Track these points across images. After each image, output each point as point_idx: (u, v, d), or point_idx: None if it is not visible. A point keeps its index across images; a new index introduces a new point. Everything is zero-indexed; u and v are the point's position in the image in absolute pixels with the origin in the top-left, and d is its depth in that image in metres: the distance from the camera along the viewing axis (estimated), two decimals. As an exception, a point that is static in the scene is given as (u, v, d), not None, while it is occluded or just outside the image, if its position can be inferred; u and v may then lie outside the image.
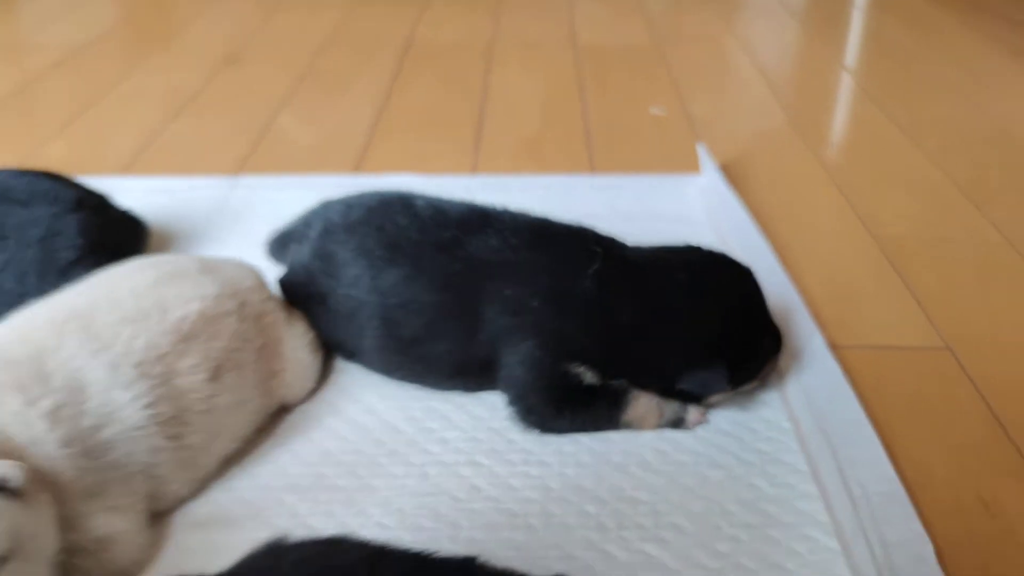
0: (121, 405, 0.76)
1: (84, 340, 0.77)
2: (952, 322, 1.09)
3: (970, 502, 0.82)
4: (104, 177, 1.43)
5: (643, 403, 0.90)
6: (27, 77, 1.98)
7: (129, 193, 1.32)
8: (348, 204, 1.03)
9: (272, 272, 1.04)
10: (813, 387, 0.95)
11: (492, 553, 0.65)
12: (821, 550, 0.78)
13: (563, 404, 0.89)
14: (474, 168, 1.51)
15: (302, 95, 1.86)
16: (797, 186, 1.46)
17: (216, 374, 0.83)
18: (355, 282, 0.95)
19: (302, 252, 1.03)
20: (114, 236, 1.13)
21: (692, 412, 0.91)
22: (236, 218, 1.34)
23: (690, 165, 1.48)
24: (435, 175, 1.43)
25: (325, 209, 1.06)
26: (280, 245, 1.14)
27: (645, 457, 0.88)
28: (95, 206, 1.12)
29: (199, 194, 1.39)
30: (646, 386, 0.90)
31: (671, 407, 0.90)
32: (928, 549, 0.75)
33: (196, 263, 0.92)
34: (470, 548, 0.72)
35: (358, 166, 1.52)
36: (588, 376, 0.89)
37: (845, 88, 1.96)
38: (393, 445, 0.90)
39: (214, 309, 0.86)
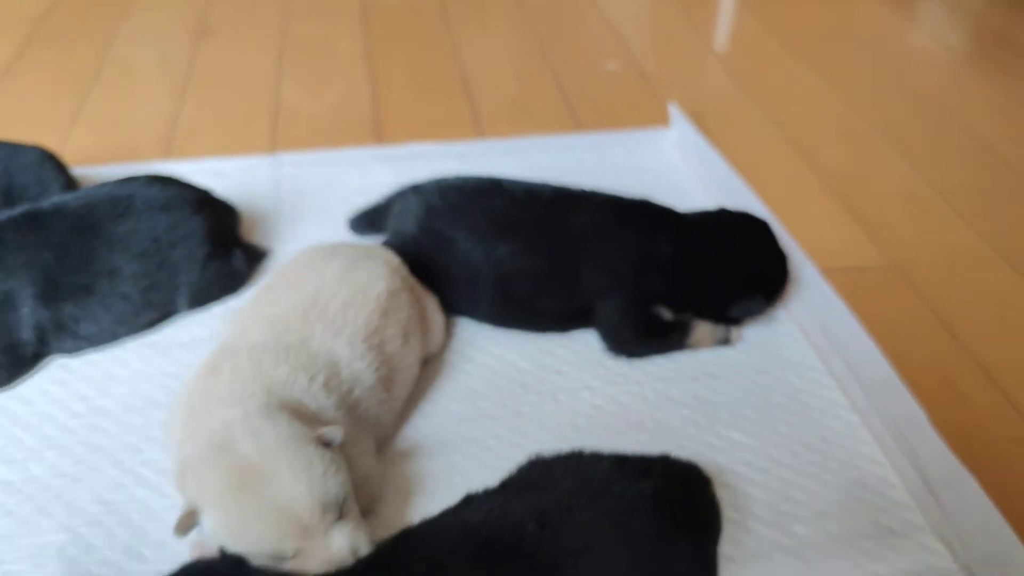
0: (360, 372, 0.98)
1: (326, 325, 0.99)
2: (894, 245, 1.43)
3: (937, 385, 1.17)
4: (151, 163, 1.57)
5: (701, 329, 1.19)
6: (7, 56, 2.01)
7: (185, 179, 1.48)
8: (442, 188, 1.26)
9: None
10: (814, 304, 1.26)
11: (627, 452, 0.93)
12: (847, 424, 1.11)
13: (647, 336, 1.18)
14: (481, 133, 1.72)
15: (291, 66, 1.98)
16: (743, 132, 1.76)
17: (405, 339, 1.06)
18: (470, 255, 1.19)
19: (405, 229, 1.24)
20: (228, 226, 1.30)
21: (734, 332, 1.21)
22: (297, 196, 1.51)
23: (655, 119, 1.75)
24: (454, 142, 1.65)
25: (416, 192, 1.28)
26: (365, 222, 1.36)
27: (710, 370, 1.18)
28: (210, 201, 1.28)
29: (249, 175, 1.55)
30: (703, 316, 1.19)
31: (721, 329, 1.20)
32: (923, 416, 1.08)
33: (357, 249, 1.13)
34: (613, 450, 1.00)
35: (379, 137, 1.70)
36: (665, 314, 1.18)
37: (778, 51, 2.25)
38: (522, 380, 1.16)
39: (393, 286, 1.08)
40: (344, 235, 1.40)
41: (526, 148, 1.64)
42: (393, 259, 1.15)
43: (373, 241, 1.32)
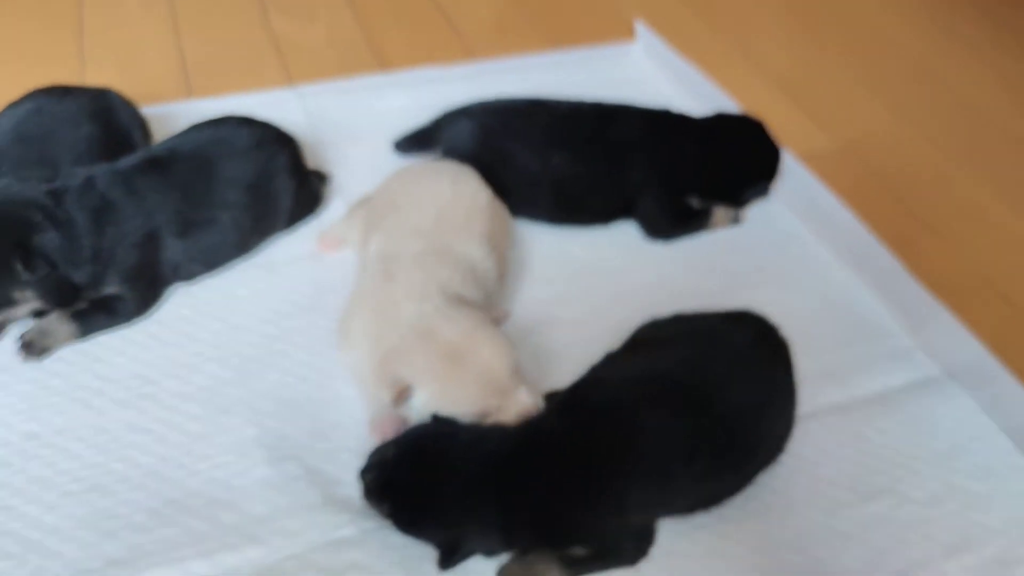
0: (488, 269, 1.20)
1: (459, 232, 1.18)
2: (840, 131, 1.71)
3: (896, 241, 1.47)
4: (181, 103, 1.66)
5: (719, 213, 1.45)
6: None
7: (216, 114, 1.58)
8: (493, 110, 1.46)
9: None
10: (796, 186, 1.54)
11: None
12: (841, 277, 1.40)
13: (680, 223, 1.43)
14: (470, 54, 1.88)
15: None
16: (698, 43, 1.99)
17: (503, 238, 1.26)
18: (528, 166, 1.39)
19: (463, 148, 1.43)
20: (302, 156, 1.43)
21: (741, 213, 1.47)
22: (328, 124, 1.63)
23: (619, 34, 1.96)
24: (453, 65, 1.81)
25: (468, 115, 1.46)
26: (411, 144, 1.53)
27: (728, 245, 1.44)
28: (288, 136, 1.40)
29: (277, 108, 1.65)
30: (720, 202, 1.44)
31: (732, 212, 1.46)
32: (899, 267, 1.37)
33: (451, 167, 1.31)
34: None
35: (383, 63, 1.83)
36: (693, 203, 1.43)
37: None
38: (580, 265, 1.39)
39: (487, 195, 1.27)
40: (384, 156, 1.56)
41: (517, 68, 1.83)
42: (473, 173, 1.34)
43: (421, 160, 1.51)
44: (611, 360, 1.10)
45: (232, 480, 1.08)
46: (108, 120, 1.39)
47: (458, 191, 1.25)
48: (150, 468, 1.09)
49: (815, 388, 1.20)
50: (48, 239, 1.14)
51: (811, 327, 1.31)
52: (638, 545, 1.01)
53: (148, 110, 1.56)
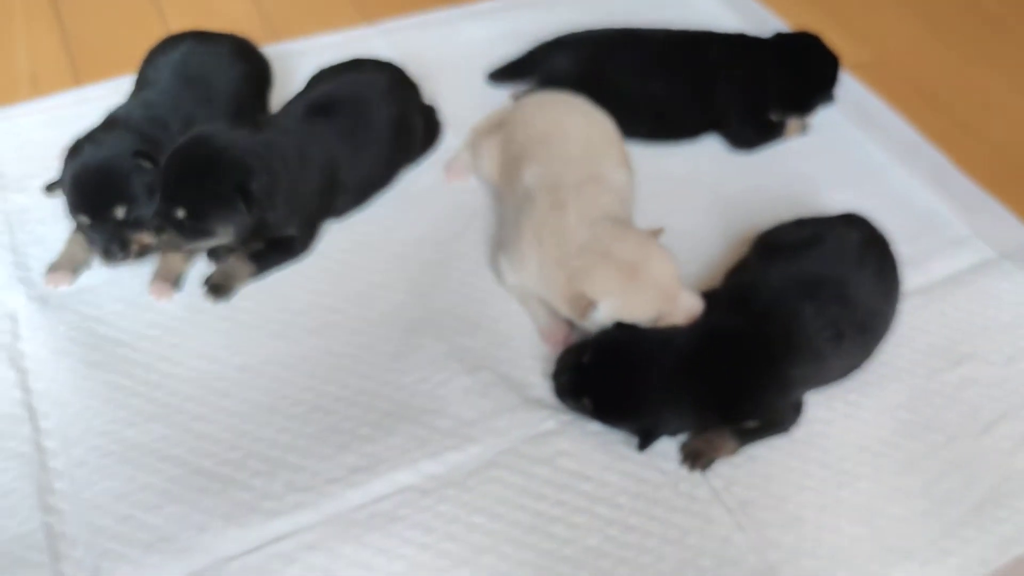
0: (630, 190, 1.33)
1: (604, 158, 1.32)
2: (877, 44, 1.86)
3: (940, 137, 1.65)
4: (278, 45, 1.71)
5: (792, 123, 1.61)
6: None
7: (316, 55, 1.64)
8: (591, 39, 1.57)
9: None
10: (851, 96, 1.69)
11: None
12: (898, 175, 1.58)
13: (761, 135, 1.58)
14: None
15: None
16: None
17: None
18: (627, 91, 1.52)
19: (562, 75, 1.54)
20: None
21: (807, 122, 1.63)
22: (416, 59, 1.67)
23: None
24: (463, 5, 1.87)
25: (564, 45, 1.58)
26: (507, 74, 1.63)
27: (799, 153, 1.60)
28: (407, 75, 1.50)
29: (363, 45, 1.71)
30: (794, 112, 1.60)
31: (801, 121, 1.62)
32: (947, 163, 1.57)
33: (567, 98, 1.42)
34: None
35: None
36: (774, 116, 1.57)
37: None
38: (677, 181, 1.53)
39: (611, 122, 1.40)
40: (478, 87, 1.65)
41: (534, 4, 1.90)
42: (579, 97, 1.45)
43: (512, 89, 1.61)
44: (751, 264, 1.26)
45: (436, 391, 1.22)
46: (249, 60, 1.46)
47: (592, 121, 1.37)
48: (359, 387, 1.22)
49: (903, 275, 1.39)
50: (263, 183, 1.22)
51: (887, 222, 1.46)
52: (793, 416, 1.20)
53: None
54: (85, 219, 1.25)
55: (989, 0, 2.03)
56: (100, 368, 1.21)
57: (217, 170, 1.21)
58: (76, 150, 1.27)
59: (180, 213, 1.21)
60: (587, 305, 1.18)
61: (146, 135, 1.29)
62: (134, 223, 1.25)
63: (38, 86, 1.60)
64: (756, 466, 1.18)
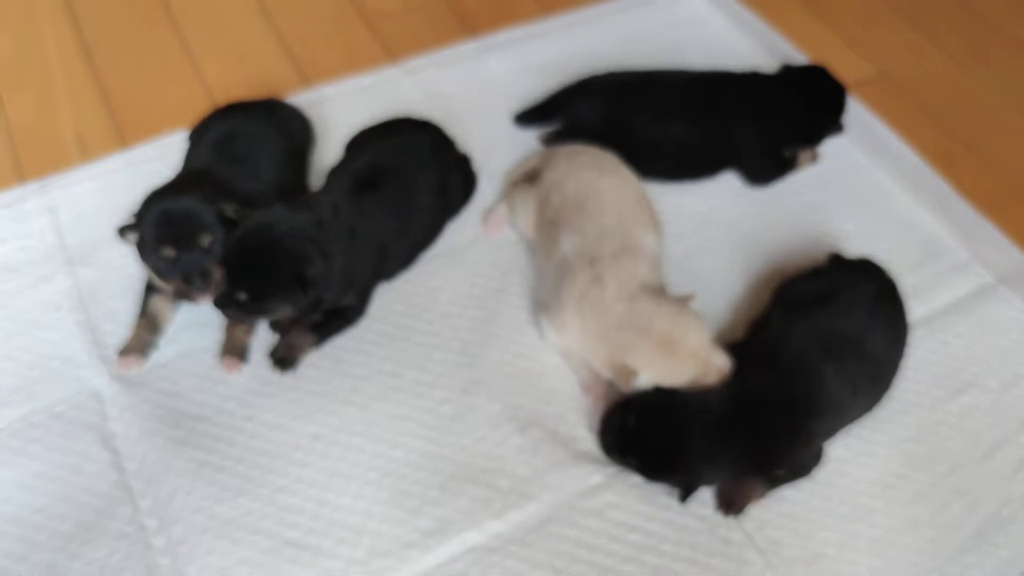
0: (660, 252, 1.40)
1: (635, 224, 1.38)
2: (877, 58, 1.90)
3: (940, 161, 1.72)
4: (301, 92, 1.74)
5: (804, 155, 1.67)
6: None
7: (348, 99, 1.67)
8: (614, 84, 1.62)
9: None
10: (857, 122, 1.74)
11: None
12: (903, 202, 1.65)
13: (777, 170, 1.64)
14: (471, 31, 1.93)
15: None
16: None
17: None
18: (650, 135, 1.58)
19: (588, 121, 1.59)
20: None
21: (817, 152, 1.68)
22: (444, 100, 1.74)
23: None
24: (533, 23, 1.90)
25: (590, 90, 1.62)
26: (532, 117, 1.68)
27: (811, 184, 1.66)
28: (443, 130, 1.55)
29: (391, 87, 1.77)
30: (806, 144, 1.66)
31: (812, 151, 1.68)
32: (949, 189, 1.64)
33: (597, 156, 1.47)
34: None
35: (468, 28, 1.90)
36: (787, 152, 1.63)
37: None
38: (702, 218, 1.60)
39: (637, 180, 1.46)
40: (508, 129, 1.70)
41: (591, 17, 1.94)
42: (607, 152, 1.50)
43: (538, 130, 1.66)
44: (775, 320, 1.34)
45: (493, 451, 1.32)
46: (289, 129, 1.51)
47: (623, 183, 1.43)
48: (423, 450, 1.31)
49: (906, 303, 1.47)
50: (318, 270, 1.28)
51: (893, 252, 1.57)
52: (815, 460, 1.30)
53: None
54: (170, 251, 1.28)
55: (996, 14, 2.04)
56: (186, 445, 1.29)
57: (277, 259, 1.27)
58: (156, 196, 1.31)
59: (242, 296, 1.28)
60: (629, 375, 1.26)
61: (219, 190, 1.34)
62: (213, 254, 1.29)
63: (86, 148, 1.64)
64: (783, 507, 1.29)
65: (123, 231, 1.31)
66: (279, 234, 1.28)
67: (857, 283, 1.36)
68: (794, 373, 1.26)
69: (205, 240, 1.28)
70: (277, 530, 1.23)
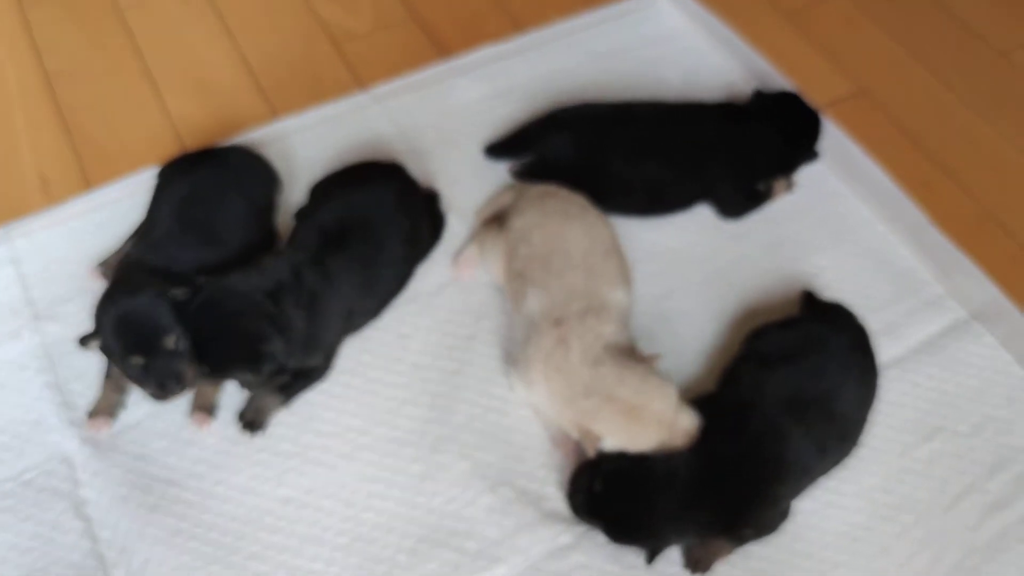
0: (628, 305, 1.37)
1: (603, 280, 1.35)
2: (856, 74, 1.83)
3: (919, 187, 1.66)
4: (266, 126, 1.68)
5: (778, 184, 1.62)
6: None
7: (316, 130, 1.62)
8: (585, 119, 1.57)
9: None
10: (833, 147, 1.68)
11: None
12: (879, 233, 1.61)
13: (751, 203, 1.60)
14: (518, 27, 1.87)
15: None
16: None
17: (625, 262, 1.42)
18: (623, 174, 1.53)
19: (560, 158, 1.54)
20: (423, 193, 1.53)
21: (793, 180, 1.63)
22: (414, 129, 1.68)
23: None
24: (505, 41, 1.83)
25: (561, 125, 1.57)
26: (502, 151, 1.62)
27: (785, 213, 1.61)
28: (406, 173, 1.49)
29: (358, 117, 1.70)
30: (781, 174, 1.61)
31: (786, 181, 1.62)
32: (926, 220, 1.59)
33: (567, 203, 1.42)
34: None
35: (440, 49, 1.82)
36: (761, 185, 1.58)
37: None
38: (679, 256, 1.55)
39: (607, 227, 1.42)
40: (478, 162, 1.64)
41: (563, 33, 1.86)
42: (578, 195, 1.45)
43: (509, 162, 1.60)
44: (743, 376, 1.32)
45: (463, 511, 1.30)
46: (252, 184, 1.45)
47: (592, 233, 1.38)
48: (393, 512, 1.30)
49: (879, 346, 1.43)
50: (275, 346, 1.25)
51: (866, 287, 1.54)
52: (781, 519, 1.29)
53: (251, 135, 1.63)
54: (139, 359, 1.25)
55: (983, 25, 1.94)
56: (158, 512, 1.28)
57: (232, 337, 1.25)
58: (108, 300, 1.27)
59: (205, 370, 1.26)
60: (594, 440, 1.24)
61: (165, 275, 1.30)
62: (182, 354, 1.26)
63: (49, 190, 1.58)
64: (749, 563, 1.28)
65: (84, 340, 1.27)
66: (233, 310, 1.25)
67: (827, 337, 1.33)
68: (762, 438, 1.24)
69: (169, 342, 1.24)
70: (250, 600, 1.24)
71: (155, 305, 1.25)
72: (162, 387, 1.26)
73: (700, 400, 1.31)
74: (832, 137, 1.69)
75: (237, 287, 1.26)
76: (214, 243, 1.37)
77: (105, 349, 1.27)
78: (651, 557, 1.25)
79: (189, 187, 1.40)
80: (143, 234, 1.41)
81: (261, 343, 1.24)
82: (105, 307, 1.27)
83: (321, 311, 1.31)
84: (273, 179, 1.51)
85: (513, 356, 1.40)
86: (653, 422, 1.23)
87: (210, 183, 1.42)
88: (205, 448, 1.33)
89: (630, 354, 1.30)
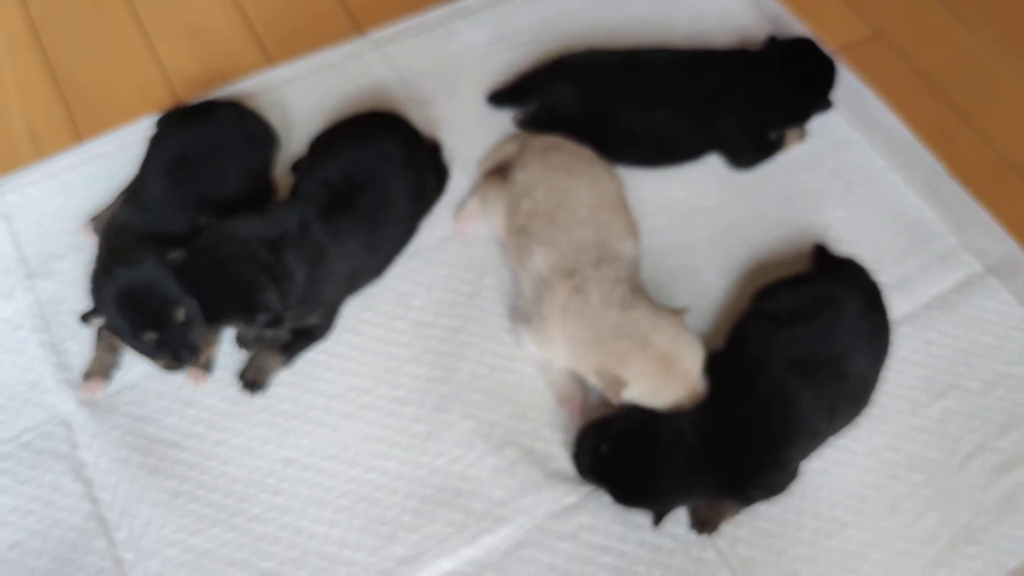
0: (638, 256, 1.30)
1: (612, 232, 1.28)
2: (875, 17, 1.72)
3: (935, 132, 1.57)
4: (263, 72, 1.59)
5: (791, 134, 1.53)
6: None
7: (313, 78, 1.53)
8: (591, 68, 1.47)
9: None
10: (849, 94, 1.59)
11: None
12: (891, 183, 1.53)
13: (762, 153, 1.51)
14: None
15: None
16: None
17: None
18: (632, 124, 1.44)
19: (565, 108, 1.46)
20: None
21: (806, 128, 1.55)
22: (414, 74, 1.59)
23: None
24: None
25: (566, 74, 1.47)
26: (505, 99, 1.54)
27: (797, 164, 1.53)
28: (409, 126, 1.41)
29: (363, 63, 1.61)
30: (794, 124, 1.52)
31: (799, 130, 1.54)
32: (941, 169, 1.51)
33: (573, 156, 1.35)
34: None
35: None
36: (773, 134, 1.50)
37: None
38: (687, 207, 1.48)
39: (613, 180, 1.36)
40: (479, 108, 1.55)
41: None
42: (583, 148, 1.38)
43: (513, 111, 1.52)
44: (752, 335, 1.26)
45: (467, 471, 1.26)
46: (247, 144, 1.37)
47: (597, 187, 1.31)
48: (396, 472, 1.26)
49: (890, 302, 1.36)
50: (270, 296, 1.19)
51: (879, 240, 1.47)
52: (789, 480, 1.25)
53: (246, 83, 1.54)
54: (151, 335, 1.19)
55: None
56: (158, 474, 1.24)
57: (225, 284, 1.19)
58: (106, 276, 1.20)
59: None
60: (619, 386, 1.18)
61: (155, 237, 1.24)
62: (193, 323, 1.21)
63: (39, 144, 1.50)
64: (757, 523, 1.25)
65: (86, 318, 1.21)
66: (226, 257, 1.19)
67: (839, 296, 1.27)
68: (771, 400, 1.19)
69: (180, 314, 1.18)
70: (253, 561, 1.19)
71: (158, 277, 1.19)
72: (177, 358, 1.21)
73: (709, 359, 1.24)
74: (847, 83, 1.59)
75: (237, 232, 1.20)
76: (207, 205, 1.29)
77: (111, 327, 1.21)
78: (657, 519, 1.21)
79: (180, 148, 1.32)
80: (132, 194, 1.33)
81: (254, 292, 1.18)
82: (104, 283, 1.20)
83: (325, 267, 1.24)
84: (270, 138, 1.42)
85: (521, 313, 1.34)
86: (681, 378, 1.18)
87: (203, 143, 1.33)
88: (205, 408, 1.28)
89: (656, 303, 1.24)
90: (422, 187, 1.37)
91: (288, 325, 1.27)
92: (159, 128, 1.38)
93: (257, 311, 1.19)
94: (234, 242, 1.20)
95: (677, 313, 1.22)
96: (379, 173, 1.31)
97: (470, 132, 1.53)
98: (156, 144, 1.35)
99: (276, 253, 1.20)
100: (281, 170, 1.46)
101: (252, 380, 1.28)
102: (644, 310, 1.20)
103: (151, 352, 1.21)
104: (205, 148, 1.33)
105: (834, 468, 1.28)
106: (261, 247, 1.20)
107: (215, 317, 1.23)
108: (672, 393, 1.18)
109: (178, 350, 1.20)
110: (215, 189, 1.31)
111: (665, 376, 1.18)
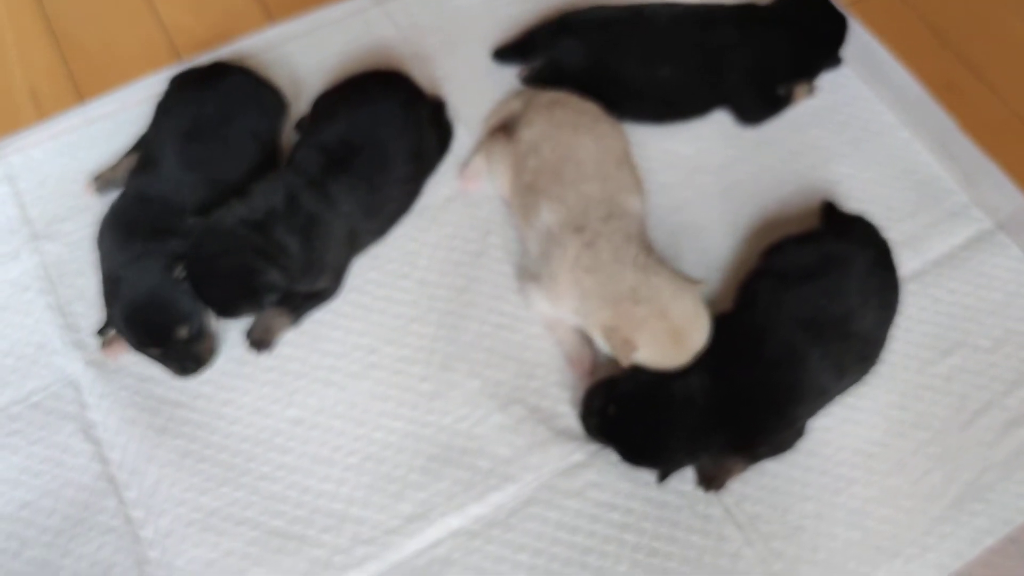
0: (645, 214, 1.26)
1: (624, 187, 1.25)
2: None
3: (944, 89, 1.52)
4: (262, 31, 1.54)
5: (799, 89, 1.47)
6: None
7: (314, 36, 1.48)
8: (596, 23, 1.41)
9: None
10: (859, 48, 1.53)
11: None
12: (901, 139, 1.48)
13: (771, 107, 1.46)
14: None
15: None
16: None
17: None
18: (636, 79, 1.39)
19: (570, 63, 1.40)
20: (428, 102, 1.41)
21: (814, 85, 1.50)
22: (419, 32, 1.54)
23: None
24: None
25: (572, 29, 1.42)
26: (511, 54, 1.49)
27: (805, 120, 1.48)
28: (414, 84, 1.36)
29: (360, 20, 1.55)
30: (802, 79, 1.47)
31: (808, 85, 1.48)
32: (952, 124, 1.46)
33: (577, 112, 1.30)
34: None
35: None
36: (782, 90, 1.45)
37: None
38: (692, 164, 1.44)
39: (619, 136, 1.32)
40: (484, 64, 1.50)
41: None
42: (589, 104, 1.33)
43: (518, 66, 1.47)
44: (760, 294, 1.21)
45: (474, 430, 1.24)
46: (258, 113, 1.32)
47: (603, 143, 1.27)
48: (404, 431, 1.24)
49: (900, 259, 1.32)
50: (271, 277, 1.16)
51: (888, 197, 1.42)
52: (796, 437, 1.22)
53: (244, 43, 1.50)
54: (155, 350, 1.20)
55: None
56: (166, 434, 1.22)
57: (225, 279, 1.17)
58: (114, 285, 1.19)
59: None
60: (630, 349, 1.15)
61: (159, 228, 1.21)
62: (198, 337, 1.21)
63: (40, 104, 1.45)
64: (763, 480, 1.22)
65: (102, 331, 1.24)
66: (218, 252, 1.16)
67: (848, 254, 1.22)
68: (779, 359, 1.15)
69: (182, 332, 1.18)
70: (262, 520, 1.18)
71: (160, 295, 1.17)
72: (182, 371, 1.21)
73: (717, 320, 1.21)
74: (857, 38, 1.54)
75: (222, 224, 1.17)
76: (219, 177, 1.25)
77: (122, 335, 1.21)
78: (663, 476, 1.19)
79: (192, 116, 1.28)
80: (143, 164, 1.29)
81: (254, 278, 1.16)
82: (113, 294, 1.19)
83: (320, 234, 1.21)
84: (281, 105, 1.37)
85: (527, 273, 1.31)
86: (687, 352, 1.15)
87: (215, 112, 1.28)
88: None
89: (675, 271, 1.21)
90: (423, 147, 1.33)
91: (301, 292, 1.25)
92: (169, 92, 1.33)
93: (262, 295, 1.18)
94: (220, 234, 1.17)
95: (696, 284, 1.18)
96: (377, 135, 1.26)
97: (474, 89, 1.48)
98: (165, 111, 1.31)
99: (265, 232, 1.17)
100: (286, 132, 1.41)
101: (259, 339, 1.25)
102: (665, 277, 1.17)
103: (158, 362, 1.21)
104: (217, 117, 1.28)
105: (841, 426, 1.26)
106: (249, 231, 1.17)
107: (226, 313, 1.22)
108: (672, 363, 1.16)
109: (182, 364, 1.21)
110: (227, 159, 1.27)
111: (673, 348, 1.15)
